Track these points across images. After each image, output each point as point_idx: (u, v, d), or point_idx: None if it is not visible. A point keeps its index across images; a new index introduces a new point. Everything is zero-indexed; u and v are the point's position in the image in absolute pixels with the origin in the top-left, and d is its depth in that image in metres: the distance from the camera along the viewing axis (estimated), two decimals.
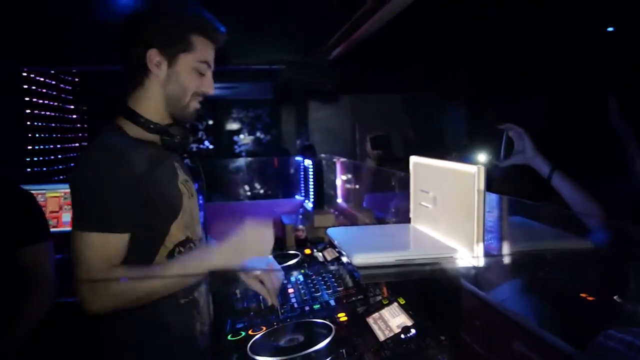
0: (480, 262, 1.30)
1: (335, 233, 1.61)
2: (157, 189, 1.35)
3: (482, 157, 2.48)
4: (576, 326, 1.34)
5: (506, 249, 1.45)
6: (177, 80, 1.39)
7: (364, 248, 1.38)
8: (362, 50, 2.69)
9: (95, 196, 1.26)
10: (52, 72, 3.84)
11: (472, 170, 1.27)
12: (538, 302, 1.56)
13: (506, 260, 1.44)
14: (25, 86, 3.58)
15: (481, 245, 1.31)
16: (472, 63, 3.38)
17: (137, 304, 1.29)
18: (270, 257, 1.64)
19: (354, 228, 2.25)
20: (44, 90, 3.83)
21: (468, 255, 1.31)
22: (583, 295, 1.44)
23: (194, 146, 8.02)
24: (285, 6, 2.48)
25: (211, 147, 8.00)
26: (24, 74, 3.56)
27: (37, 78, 3.68)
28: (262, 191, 4.48)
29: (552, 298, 1.50)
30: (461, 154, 2.95)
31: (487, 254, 1.33)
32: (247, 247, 1.37)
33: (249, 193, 4.48)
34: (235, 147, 8.05)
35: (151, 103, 1.40)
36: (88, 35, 2.88)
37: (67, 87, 4.21)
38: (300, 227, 2.90)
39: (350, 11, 2.20)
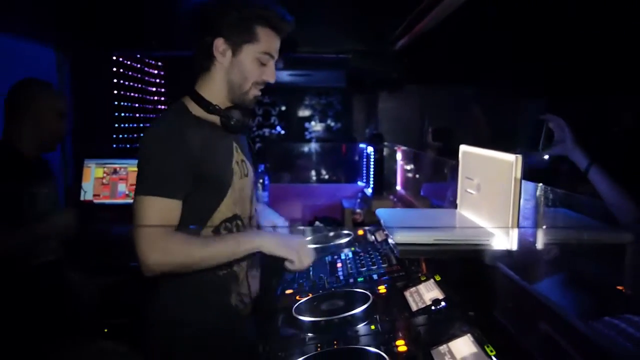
0: (514, 246, 1.38)
1: (384, 213, 1.73)
2: (210, 165, 1.47)
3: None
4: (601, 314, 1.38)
5: (543, 237, 1.51)
6: (240, 69, 1.49)
7: (406, 227, 1.50)
8: (428, 41, 2.74)
9: (154, 163, 1.39)
10: (138, 56, 4.15)
11: (511, 159, 1.34)
12: (573, 291, 1.60)
13: (540, 247, 1.49)
14: (114, 69, 3.92)
15: (516, 231, 1.38)
16: (544, 56, 3.33)
17: (189, 268, 1.42)
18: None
19: (402, 210, 2.35)
20: (130, 73, 4.16)
21: (504, 240, 1.39)
22: (620, 287, 1.47)
23: (267, 130, 8.30)
24: None
25: (283, 132, 8.25)
26: (114, 58, 3.90)
27: (125, 62, 4.00)
28: (327, 176, 4.63)
29: (587, 288, 1.54)
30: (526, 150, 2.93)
31: (521, 240, 1.41)
32: (292, 248, 1.49)
33: (314, 177, 4.64)
34: (306, 133, 8.24)
35: (214, 87, 1.52)
36: (171, 22, 3.09)
37: (151, 70, 4.53)
38: (358, 211, 3.03)
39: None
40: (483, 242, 1.41)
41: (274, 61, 1.55)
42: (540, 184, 1.51)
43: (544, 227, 1.54)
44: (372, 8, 2.64)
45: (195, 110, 1.52)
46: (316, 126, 8.46)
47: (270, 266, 1.82)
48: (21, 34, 3.02)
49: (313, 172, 4.74)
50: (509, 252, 1.40)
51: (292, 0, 2.61)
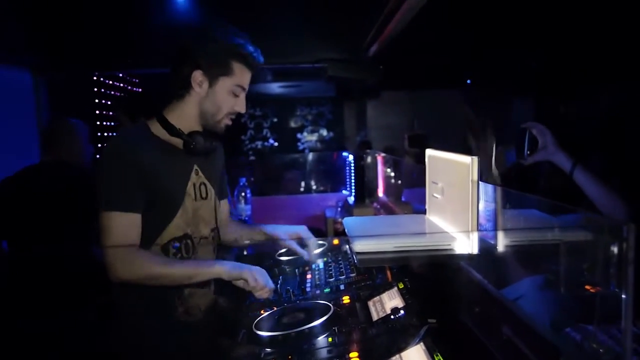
0: (475, 250, 1.35)
1: (350, 222, 1.70)
2: (161, 185, 1.52)
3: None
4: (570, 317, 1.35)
5: (504, 238, 1.48)
6: (214, 100, 1.58)
7: (368, 236, 1.47)
8: (398, 47, 2.73)
9: (111, 179, 1.46)
10: (120, 75, 4.15)
11: (467, 161, 1.32)
12: (544, 295, 1.57)
13: (502, 249, 1.46)
14: (94, 89, 3.92)
15: (475, 233, 1.35)
16: (523, 56, 3.33)
17: (149, 282, 1.48)
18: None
19: (368, 218, 2.32)
20: (112, 92, 4.16)
21: (465, 244, 1.36)
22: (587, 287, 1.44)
23: (259, 143, 8.30)
24: (326, 5, 2.57)
25: (275, 144, 8.24)
26: (94, 78, 3.90)
27: (106, 81, 4.00)
28: (314, 186, 4.61)
29: (556, 290, 1.51)
30: (506, 149, 2.92)
31: (482, 242, 1.38)
32: (246, 269, 1.54)
33: (302, 188, 4.63)
34: (299, 144, 8.23)
35: (185, 114, 1.60)
36: (150, 40, 3.10)
37: (134, 88, 4.53)
38: (340, 219, 3.00)
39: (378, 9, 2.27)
40: (444, 247, 1.38)
41: (245, 94, 1.64)
42: (499, 187, 1.48)
43: (504, 228, 1.51)
44: (342, 17, 2.64)
45: (158, 131, 1.59)
46: (308, 136, 8.47)
47: None
48: None
49: (302, 183, 4.72)
50: (471, 256, 1.37)
51: (267, 12, 2.63)
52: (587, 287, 1.42)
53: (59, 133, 2.58)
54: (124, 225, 1.45)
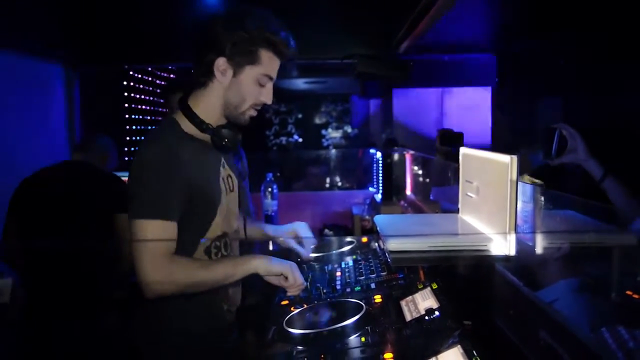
0: (512, 251, 1.32)
1: (382, 220, 1.68)
2: (201, 186, 1.45)
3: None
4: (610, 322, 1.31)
5: (543, 240, 1.44)
6: (239, 89, 1.47)
7: (401, 235, 1.44)
8: (429, 44, 2.69)
9: (148, 185, 1.36)
10: (149, 69, 4.19)
11: (506, 160, 1.28)
12: (581, 298, 1.53)
13: (540, 251, 1.43)
14: (125, 83, 3.96)
15: (513, 234, 1.32)
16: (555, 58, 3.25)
17: (189, 291, 1.41)
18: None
19: (400, 216, 2.30)
20: (141, 86, 4.20)
21: (502, 245, 1.33)
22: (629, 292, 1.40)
23: (283, 139, 8.32)
24: (358, 1, 2.55)
25: (300, 140, 8.25)
26: (126, 72, 3.94)
27: (135, 75, 4.04)
28: (340, 183, 4.59)
29: (594, 294, 1.47)
30: (532, 150, 2.86)
31: (520, 244, 1.34)
32: (285, 265, 1.48)
33: (327, 184, 4.61)
34: (323, 140, 8.23)
35: (209, 104, 1.50)
36: (181, 33, 3.12)
37: (162, 82, 4.57)
38: (367, 217, 2.98)
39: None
40: (480, 247, 1.35)
41: (272, 83, 1.53)
42: (538, 186, 1.44)
43: (543, 230, 1.47)
44: (373, 12, 2.61)
45: (187, 127, 1.50)
46: (333, 133, 8.45)
47: None
48: (28, 51, 3.06)
49: (327, 179, 4.70)
50: (507, 257, 1.33)
51: (296, 8, 2.62)
52: (629, 292, 1.39)
53: (90, 142, 2.68)
54: (162, 235, 1.35)
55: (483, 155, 1.49)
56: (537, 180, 2.10)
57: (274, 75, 1.51)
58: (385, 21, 2.74)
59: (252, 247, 2.50)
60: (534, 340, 1.26)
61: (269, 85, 1.52)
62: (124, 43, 3.22)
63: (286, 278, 1.47)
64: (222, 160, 1.59)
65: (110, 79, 3.83)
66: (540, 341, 1.24)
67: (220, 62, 1.44)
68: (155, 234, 1.34)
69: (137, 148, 1.50)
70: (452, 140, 3.10)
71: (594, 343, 1.13)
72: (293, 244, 1.81)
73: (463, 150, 1.70)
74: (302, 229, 1.81)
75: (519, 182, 1.28)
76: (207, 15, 1.49)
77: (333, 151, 5.34)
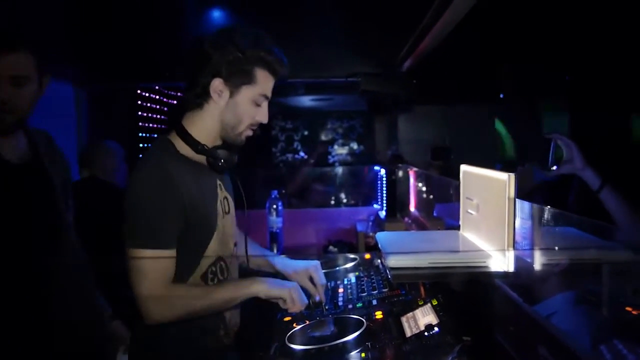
0: (510, 267, 1.33)
1: (383, 237, 1.70)
2: (198, 210, 1.43)
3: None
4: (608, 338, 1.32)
5: (542, 256, 1.45)
6: (235, 110, 1.47)
7: (401, 251, 1.46)
8: (432, 61, 2.73)
9: (145, 213, 1.35)
10: (157, 87, 4.26)
11: (504, 178, 1.30)
12: (578, 312, 1.54)
13: (540, 267, 1.44)
14: (137, 102, 4.04)
15: (512, 251, 1.34)
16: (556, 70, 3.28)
17: (190, 317, 1.43)
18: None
19: (402, 233, 2.31)
20: (152, 105, 4.27)
21: (501, 262, 1.35)
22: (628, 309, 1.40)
23: (289, 156, 8.34)
24: (362, 19, 2.60)
25: (305, 157, 8.27)
26: (137, 92, 4.02)
27: (143, 94, 4.11)
28: (345, 199, 4.61)
29: (591, 308, 1.48)
30: (534, 164, 2.88)
31: (518, 260, 1.36)
32: (284, 288, 1.51)
33: (332, 201, 4.64)
34: (329, 157, 8.25)
35: (205, 126, 1.49)
36: (181, 54, 3.17)
37: (170, 101, 4.64)
38: (371, 234, 2.99)
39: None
40: (479, 264, 1.36)
41: (267, 102, 1.53)
42: (536, 204, 1.46)
43: (542, 247, 1.48)
44: (376, 30, 2.65)
45: (182, 148, 1.48)
46: (339, 149, 8.49)
47: None
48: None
49: (332, 196, 4.73)
50: (506, 274, 1.35)
51: (300, 26, 2.66)
52: (629, 308, 1.40)
53: (94, 153, 2.70)
54: (160, 264, 1.35)
55: (482, 172, 1.51)
56: None
57: (269, 94, 1.51)
58: (388, 39, 2.78)
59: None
60: (533, 356, 1.27)
61: (265, 104, 1.52)
62: (134, 62, 3.27)
63: (285, 301, 1.49)
64: (218, 182, 1.58)
65: (121, 98, 3.89)
66: (540, 357, 1.26)
67: (217, 84, 1.43)
68: (153, 263, 1.34)
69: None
70: (442, 155, 3.14)
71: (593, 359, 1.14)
72: (306, 284, 1.73)
73: (463, 167, 1.72)
74: (315, 270, 1.74)
75: (516, 199, 1.30)
76: (199, 36, 1.48)
77: (339, 168, 5.36)
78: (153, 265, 1.33)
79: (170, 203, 1.36)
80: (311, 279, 1.72)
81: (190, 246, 1.43)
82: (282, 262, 1.80)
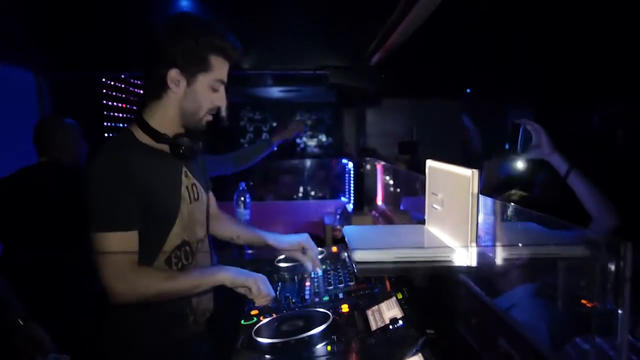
0: (473, 262, 1.36)
1: (350, 231, 1.72)
2: (158, 196, 1.49)
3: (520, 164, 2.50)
4: (565, 329, 1.37)
5: (503, 251, 1.49)
6: (194, 98, 1.51)
7: (367, 246, 1.48)
8: (401, 55, 2.75)
9: (105, 198, 1.39)
10: (122, 77, 4.17)
11: (468, 174, 1.33)
12: (536, 304, 1.59)
13: (502, 262, 1.48)
14: (100, 90, 3.96)
15: (474, 245, 1.37)
16: (518, 65, 3.35)
17: (154, 299, 1.46)
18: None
19: (368, 227, 2.34)
20: (117, 94, 4.19)
21: (464, 257, 1.38)
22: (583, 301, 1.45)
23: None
24: (331, 13, 2.59)
25: (275, 149, 8.24)
26: (102, 80, 3.94)
27: (109, 82, 4.03)
28: (312, 192, 4.62)
29: (549, 301, 1.53)
30: (500, 160, 2.94)
31: (481, 255, 1.39)
32: (250, 277, 1.54)
33: (300, 194, 4.64)
34: (298, 149, 8.23)
35: (166, 115, 1.53)
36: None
37: (135, 90, 4.55)
38: (338, 227, 3.01)
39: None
40: (443, 258, 1.39)
41: (224, 86, 1.57)
42: (498, 200, 1.50)
43: (505, 243, 1.52)
44: (346, 24, 2.66)
45: (143, 138, 1.53)
46: (308, 141, 8.49)
47: None
48: None
49: (300, 189, 4.73)
50: (469, 268, 1.38)
51: (270, 18, 2.65)
52: (584, 301, 1.45)
53: (50, 132, 2.57)
54: (122, 246, 1.39)
55: (447, 168, 1.54)
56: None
57: (226, 78, 1.56)
58: (358, 34, 2.79)
59: (228, 255, 2.52)
60: (493, 349, 1.31)
61: (222, 89, 1.56)
62: (96, 51, 3.20)
63: (250, 290, 1.52)
64: (184, 169, 1.61)
65: (85, 87, 3.79)
66: (500, 348, 1.30)
67: (173, 74, 1.46)
68: (116, 245, 1.38)
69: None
70: (409, 149, 3.18)
71: (551, 352, 1.19)
72: (300, 258, 1.89)
73: (429, 162, 1.75)
74: (306, 241, 1.89)
75: (480, 195, 1.33)
76: (151, 26, 1.50)
77: (307, 161, 5.37)
78: (116, 247, 1.38)
79: (127, 187, 1.40)
80: (304, 252, 1.87)
81: (151, 231, 1.47)
82: (274, 238, 1.89)
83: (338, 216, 3.28)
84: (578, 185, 1.76)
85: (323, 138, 8.26)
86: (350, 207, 3.46)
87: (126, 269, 1.39)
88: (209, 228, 1.81)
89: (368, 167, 3.49)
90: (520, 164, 2.45)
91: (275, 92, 6.21)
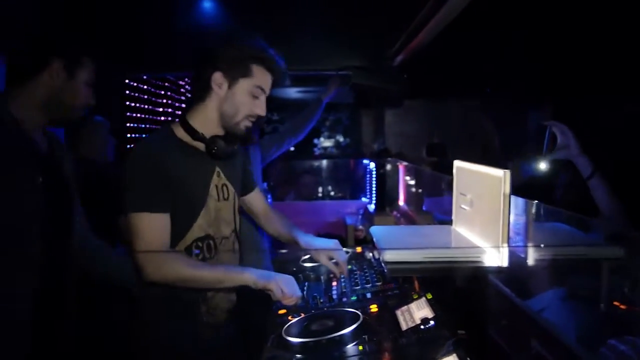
0: (504, 263, 1.36)
1: (378, 231, 1.72)
2: (184, 186, 1.57)
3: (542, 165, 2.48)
4: (598, 332, 1.35)
5: (534, 252, 1.48)
6: (233, 101, 1.61)
7: (396, 246, 1.48)
8: (424, 55, 2.75)
9: (138, 181, 1.51)
10: (145, 78, 4.22)
11: (499, 174, 1.32)
12: (568, 307, 1.57)
13: (531, 263, 1.47)
14: (126, 91, 4.01)
15: (506, 247, 1.36)
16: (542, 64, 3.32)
17: (179, 285, 1.54)
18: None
19: (396, 227, 2.33)
20: (138, 95, 4.24)
21: (495, 257, 1.37)
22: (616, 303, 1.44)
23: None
24: (354, 13, 2.60)
25: (292, 148, 8.25)
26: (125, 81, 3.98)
27: (132, 84, 4.08)
28: (332, 192, 4.63)
29: (581, 303, 1.51)
30: (522, 160, 2.92)
31: (512, 256, 1.38)
32: (272, 280, 1.58)
33: (319, 194, 4.65)
34: (315, 149, 8.24)
35: (207, 116, 1.64)
36: (174, 44, 3.14)
37: (158, 91, 4.60)
38: (360, 227, 3.02)
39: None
40: (474, 259, 1.39)
41: (265, 97, 1.67)
42: (531, 200, 1.49)
43: (535, 243, 1.51)
44: (370, 25, 2.66)
45: (182, 135, 1.64)
46: (325, 142, 8.48)
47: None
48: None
49: (319, 189, 4.74)
50: (500, 269, 1.37)
51: (293, 19, 2.66)
52: (616, 303, 1.43)
53: (79, 129, 2.64)
54: (154, 226, 1.50)
55: (477, 169, 1.53)
56: None
57: (267, 88, 1.66)
58: (381, 34, 2.79)
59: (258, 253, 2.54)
60: (525, 350, 1.30)
61: (262, 98, 1.66)
62: (116, 51, 3.24)
63: (273, 293, 1.57)
64: (218, 169, 1.70)
65: (107, 88, 3.84)
66: (532, 350, 1.29)
67: (217, 76, 1.59)
68: (149, 225, 1.49)
69: None
70: (437, 151, 3.17)
71: (585, 353, 1.18)
72: (327, 263, 1.91)
73: (457, 163, 1.74)
74: (336, 248, 1.91)
75: (511, 196, 1.32)
76: (204, 32, 1.67)
77: (325, 161, 5.38)
78: (149, 227, 1.49)
79: (157, 173, 1.51)
80: (332, 258, 1.89)
81: (177, 219, 1.56)
82: (305, 240, 1.93)
83: (360, 216, 3.29)
84: (598, 187, 1.76)
85: (340, 138, 8.28)
86: (371, 207, 3.46)
87: (158, 249, 1.49)
88: (262, 225, 1.98)
89: (389, 167, 3.48)
90: (542, 166, 2.44)
91: (293, 92, 6.24)
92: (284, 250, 2.67)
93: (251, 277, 1.56)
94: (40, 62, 1.55)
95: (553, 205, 1.64)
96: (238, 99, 1.61)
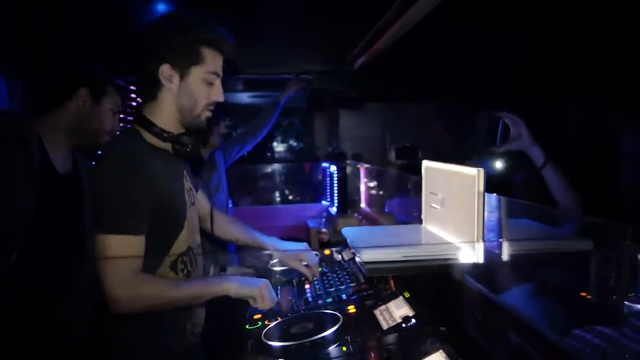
0: (480, 259, 1.39)
1: (350, 232, 1.73)
2: (168, 199, 1.43)
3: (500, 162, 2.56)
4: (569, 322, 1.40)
5: (507, 248, 1.53)
6: (189, 92, 1.45)
7: (372, 246, 1.49)
8: (386, 60, 2.79)
9: (113, 198, 1.32)
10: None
11: (473, 173, 1.35)
12: (539, 300, 1.63)
13: (506, 258, 1.51)
14: None
15: (481, 243, 1.39)
16: (497, 69, 3.42)
17: (157, 309, 1.40)
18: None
19: (367, 228, 2.35)
20: None
21: (470, 254, 1.40)
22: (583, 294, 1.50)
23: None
24: (313, 17, 2.60)
25: (245, 154, 8.18)
26: None
27: None
28: (290, 196, 4.61)
29: (551, 296, 1.57)
30: (481, 158, 3.00)
31: (487, 252, 1.42)
32: (254, 287, 1.54)
33: (278, 198, 4.63)
34: (268, 153, 8.20)
35: (164, 114, 1.47)
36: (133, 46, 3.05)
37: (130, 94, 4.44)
38: (324, 230, 3.02)
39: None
40: (451, 256, 1.41)
41: (220, 80, 1.52)
42: (502, 196, 1.53)
43: (508, 238, 1.56)
44: (330, 29, 2.67)
45: (148, 137, 1.48)
46: (278, 146, 8.48)
47: None
48: None
49: (277, 193, 4.71)
50: (476, 265, 1.41)
51: (254, 23, 2.63)
52: (582, 294, 1.49)
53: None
54: (129, 250, 1.32)
55: (448, 168, 1.57)
56: None
57: (220, 72, 1.50)
58: (342, 37, 2.80)
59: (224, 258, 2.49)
60: (504, 342, 1.33)
61: (218, 83, 1.50)
62: (72, 53, 3.12)
63: (255, 300, 1.53)
64: (185, 172, 1.58)
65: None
66: (511, 343, 1.32)
67: (165, 69, 1.42)
68: (121, 249, 1.31)
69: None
70: (407, 154, 3.22)
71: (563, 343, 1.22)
72: (298, 267, 1.90)
73: (426, 163, 1.77)
74: (306, 250, 1.91)
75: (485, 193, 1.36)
76: (139, 27, 1.49)
77: (281, 165, 5.36)
78: (122, 252, 1.30)
79: (140, 190, 1.34)
80: (302, 261, 1.88)
81: (160, 236, 1.42)
82: (273, 243, 1.89)
83: (323, 219, 3.29)
84: (552, 177, 1.82)
85: (294, 143, 8.29)
86: (333, 210, 3.47)
87: (130, 276, 1.31)
88: (212, 229, 1.81)
89: (349, 170, 3.51)
90: (499, 164, 2.51)
91: (245, 97, 6.18)
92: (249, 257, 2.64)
93: (232, 285, 1.49)
94: (68, 89, 1.71)
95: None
96: (194, 89, 1.45)
